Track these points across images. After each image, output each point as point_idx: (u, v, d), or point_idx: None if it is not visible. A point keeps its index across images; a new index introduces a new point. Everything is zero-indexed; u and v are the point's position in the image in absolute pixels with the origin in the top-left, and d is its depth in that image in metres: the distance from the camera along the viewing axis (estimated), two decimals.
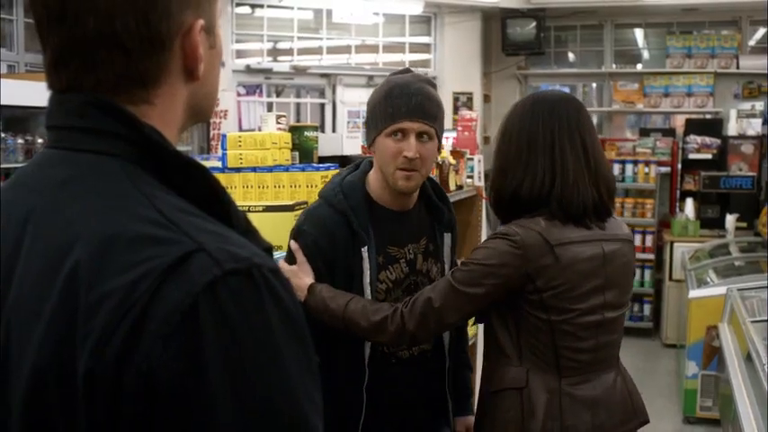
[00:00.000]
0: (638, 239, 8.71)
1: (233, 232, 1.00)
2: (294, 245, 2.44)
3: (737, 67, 9.64)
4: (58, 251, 0.97)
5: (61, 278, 0.95)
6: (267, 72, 9.16)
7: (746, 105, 9.14)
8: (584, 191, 2.34)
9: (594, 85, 10.80)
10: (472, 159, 5.07)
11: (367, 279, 2.43)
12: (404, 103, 2.36)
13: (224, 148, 3.18)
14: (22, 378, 0.95)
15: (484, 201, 5.19)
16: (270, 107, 9.40)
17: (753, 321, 4.42)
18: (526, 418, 2.33)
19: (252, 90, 9.31)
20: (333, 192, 2.46)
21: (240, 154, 3.19)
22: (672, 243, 8.21)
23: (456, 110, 9.60)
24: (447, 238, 2.66)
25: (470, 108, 9.49)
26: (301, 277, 2.41)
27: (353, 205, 2.43)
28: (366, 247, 2.42)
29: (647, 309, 8.81)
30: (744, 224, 8.06)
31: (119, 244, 0.94)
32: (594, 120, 10.08)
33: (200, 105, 1.15)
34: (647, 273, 8.78)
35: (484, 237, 5.19)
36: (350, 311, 2.34)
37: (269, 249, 1.06)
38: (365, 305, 2.36)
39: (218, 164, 3.30)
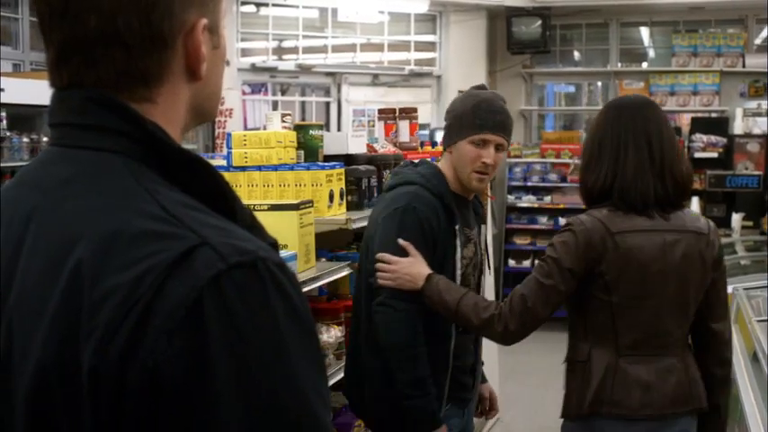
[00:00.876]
0: None
1: (237, 227, 0.99)
2: (404, 242, 2.73)
3: (743, 66, 9.62)
4: (60, 249, 0.97)
5: (64, 276, 0.94)
6: (272, 71, 9.16)
7: (752, 104, 9.13)
8: (644, 185, 2.59)
9: (600, 83, 10.79)
10: None
11: (458, 254, 2.85)
12: (490, 118, 2.83)
13: (229, 147, 3.18)
14: (26, 377, 0.94)
15: (489, 200, 5.18)
16: (275, 106, 9.40)
17: (759, 320, 4.39)
18: (584, 387, 2.63)
19: (257, 89, 9.31)
20: (424, 178, 2.85)
21: (245, 153, 3.19)
22: None
23: None
24: (483, 228, 3.16)
25: None
26: (419, 266, 2.72)
27: (444, 190, 2.85)
28: (458, 225, 2.85)
29: None
30: (750, 223, 8.04)
31: (122, 240, 0.94)
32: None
33: (204, 105, 1.15)
34: None
35: (489, 236, 5.18)
36: (462, 306, 2.65)
37: (274, 244, 1.06)
38: (476, 302, 2.67)
39: (224, 162, 3.30)
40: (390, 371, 2.71)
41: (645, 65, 10.45)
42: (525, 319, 2.59)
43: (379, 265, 2.73)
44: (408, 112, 4.43)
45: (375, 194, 3.46)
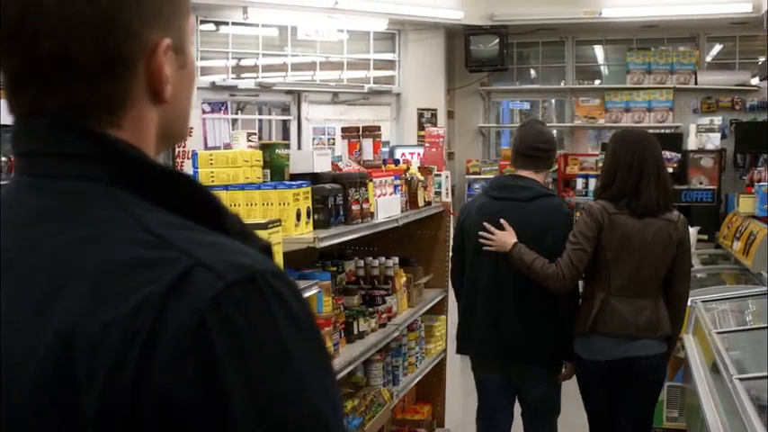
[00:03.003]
0: None
1: (229, 239, 0.96)
2: (503, 221, 4.18)
3: (696, 83, 9.81)
4: (44, 293, 0.90)
5: (52, 322, 0.88)
6: (232, 89, 9.14)
7: (705, 120, 9.30)
8: (645, 196, 3.96)
9: (554, 101, 10.92)
10: (440, 175, 5.10)
11: None
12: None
13: (195, 167, 3.18)
14: None
15: (452, 216, 5.22)
16: (234, 124, 9.38)
17: (718, 333, 4.48)
18: (587, 315, 4.07)
19: (217, 107, 9.28)
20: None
21: (211, 172, 3.19)
22: None
23: (420, 126, 9.65)
24: None
25: (434, 124, 9.55)
26: (510, 238, 4.15)
27: None
28: None
29: None
30: (705, 236, 8.16)
31: (111, 272, 0.89)
32: (555, 135, 10.19)
33: (172, 128, 1.09)
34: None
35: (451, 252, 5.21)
36: (533, 265, 4.07)
37: (266, 248, 1.03)
38: (543, 263, 4.06)
39: None
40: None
41: (598, 82, 10.61)
42: (573, 272, 4.03)
43: (484, 233, 4.20)
44: (372, 131, 4.46)
45: (341, 213, 3.48)
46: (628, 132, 4.38)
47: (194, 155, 3.16)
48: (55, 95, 0.98)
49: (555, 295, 4.10)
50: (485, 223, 4.18)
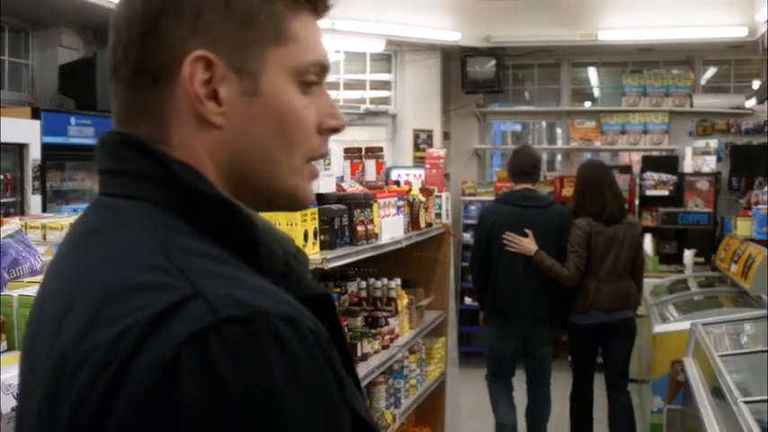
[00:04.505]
0: None
1: (257, 277, 0.90)
2: (528, 230, 5.63)
3: (691, 106, 9.85)
4: (64, 305, 0.91)
5: (61, 333, 0.88)
6: None
7: (701, 143, 9.33)
8: (608, 209, 5.67)
9: (544, 123, 10.94)
10: (440, 197, 5.09)
11: None
12: None
13: None
14: None
15: (452, 239, 5.21)
16: None
17: (721, 356, 4.46)
18: (584, 297, 5.65)
19: None
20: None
21: None
22: None
23: (416, 147, 9.65)
24: None
25: (430, 145, 9.55)
26: (532, 245, 5.58)
27: None
28: None
29: None
30: (701, 259, 8.17)
31: (115, 294, 0.86)
32: (544, 157, 10.22)
33: (246, 168, 1.01)
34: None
35: (452, 273, 5.20)
36: (553, 268, 5.58)
37: (314, 297, 0.96)
38: (558, 267, 5.57)
39: None
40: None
41: (590, 104, 10.64)
42: (577, 271, 5.57)
43: (511, 238, 5.60)
44: (374, 151, 4.46)
45: (346, 233, 3.46)
46: (590, 164, 6.29)
47: None
48: (115, 106, 1.01)
49: (549, 281, 5.60)
50: (509, 232, 5.61)
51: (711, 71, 10.25)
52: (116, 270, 0.88)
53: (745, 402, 3.59)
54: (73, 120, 6.92)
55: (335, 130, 1.08)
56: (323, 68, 1.06)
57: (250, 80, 0.99)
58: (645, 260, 6.25)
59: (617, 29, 9.41)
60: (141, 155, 0.97)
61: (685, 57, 10.05)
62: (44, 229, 2.88)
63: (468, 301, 9.46)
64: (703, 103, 9.82)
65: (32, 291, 1.67)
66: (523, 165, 5.74)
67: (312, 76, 1.03)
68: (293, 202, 1.07)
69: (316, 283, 1.02)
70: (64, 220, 2.96)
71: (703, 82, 10.15)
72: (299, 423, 0.81)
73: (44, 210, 6.42)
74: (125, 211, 0.96)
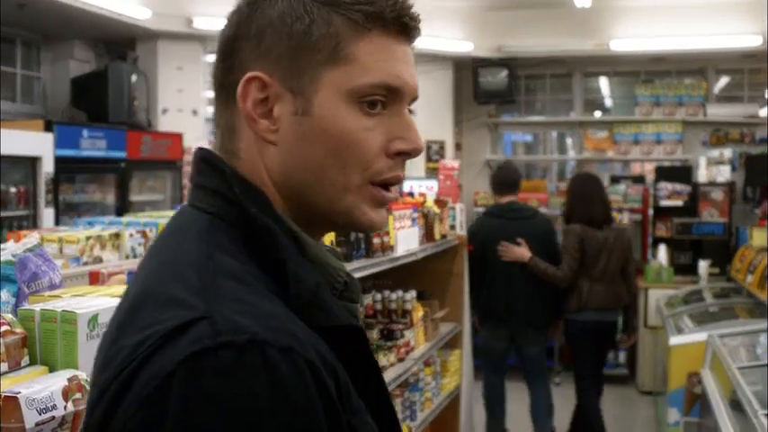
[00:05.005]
0: None
1: (275, 303, 0.94)
2: (520, 239, 5.99)
3: (705, 115, 9.81)
4: (117, 309, 1.01)
5: (110, 332, 0.98)
6: None
7: (715, 153, 9.27)
8: (597, 214, 6.08)
9: (555, 134, 10.90)
10: (454, 208, 5.06)
11: None
12: None
13: None
14: None
15: (466, 250, 5.18)
16: None
17: (740, 368, 4.41)
18: (578, 297, 6.01)
19: None
20: None
21: None
22: (647, 290, 8.24)
23: (428, 158, 9.63)
24: None
25: (443, 156, 9.53)
26: (526, 252, 5.96)
27: None
28: None
29: (621, 356, 8.81)
30: (716, 270, 8.12)
31: (149, 302, 0.94)
32: (555, 167, 10.16)
33: (299, 188, 1.06)
34: (621, 320, 8.77)
35: (467, 285, 5.17)
36: (548, 271, 5.95)
37: (337, 327, 0.99)
38: (552, 270, 5.95)
39: None
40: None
41: (599, 114, 10.61)
42: (570, 272, 5.95)
43: (506, 247, 5.97)
44: None
45: (362, 246, 3.44)
46: (580, 176, 6.76)
47: None
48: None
49: (543, 284, 5.97)
50: (504, 242, 5.98)
51: (724, 80, 10.20)
52: (158, 277, 0.97)
53: (766, 415, 3.54)
54: (85, 132, 6.92)
55: (406, 154, 1.09)
56: (390, 90, 1.07)
57: (302, 100, 1.04)
58: (635, 263, 6.76)
59: (629, 38, 9.38)
60: (213, 171, 1.05)
61: (698, 66, 10.02)
62: (61, 243, 2.86)
63: None
64: (717, 112, 9.77)
65: (54, 305, 1.65)
66: (509, 179, 6.21)
67: (376, 97, 1.06)
68: (353, 224, 1.09)
69: (346, 315, 1.03)
70: (80, 233, 2.94)
71: (716, 91, 10.11)
72: None
73: (57, 222, 6.41)
74: (190, 222, 1.04)
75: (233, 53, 1.06)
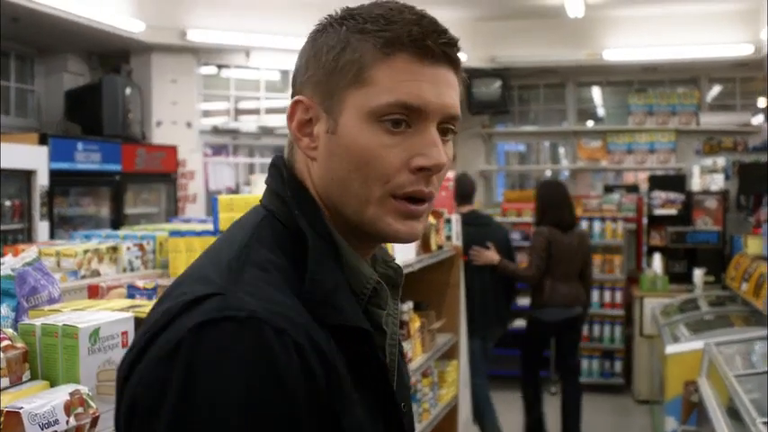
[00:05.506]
0: (607, 296, 8.79)
1: (287, 294, 1.07)
2: (490, 243, 6.48)
3: (698, 124, 9.84)
4: (174, 281, 1.18)
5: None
6: (234, 132, 9.13)
7: (708, 161, 9.29)
8: (565, 218, 6.61)
9: (548, 143, 10.92)
10: (450, 219, 5.06)
11: None
12: None
13: (215, 211, 3.13)
14: None
15: (462, 261, 5.18)
16: (239, 167, 9.36)
17: (737, 376, 4.42)
18: (540, 294, 6.57)
19: (218, 150, 9.27)
20: None
21: (233, 217, 3.14)
22: (642, 299, 8.24)
23: None
24: None
25: None
26: (495, 255, 6.38)
27: None
28: None
29: (618, 365, 8.80)
30: (711, 278, 8.13)
31: (188, 278, 1.12)
32: (548, 174, 10.18)
33: (332, 199, 1.18)
34: (618, 329, 8.79)
35: (462, 296, 5.17)
36: (516, 271, 6.58)
37: (346, 327, 1.10)
38: (521, 269, 6.64)
39: (184, 226, 3.25)
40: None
41: (592, 123, 10.63)
42: (538, 271, 6.44)
43: (476, 252, 6.36)
44: None
45: None
46: (548, 183, 7.53)
47: (214, 200, 3.12)
48: None
49: (506, 285, 6.59)
50: (474, 246, 6.38)
51: (717, 89, 10.24)
52: (202, 261, 1.15)
53: (765, 423, 3.55)
54: (80, 145, 6.91)
55: (425, 169, 1.15)
56: (409, 108, 1.14)
57: (332, 120, 1.16)
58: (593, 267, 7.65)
59: (622, 48, 9.42)
60: (277, 175, 1.22)
61: (691, 75, 10.06)
62: (58, 256, 2.85)
63: None
64: (710, 121, 9.81)
65: (54, 319, 1.64)
66: (468, 189, 6.77)
67: (397, 116, 1.14)
68: (380, 234, 1.18)
69: (359, 317, 1.13)
70: (78, 247, 2.93)
71: (709, 100, 10.15)
72: (242, 406, 0.97)
73: (52, 236, 6.40)
74: (250, 217, 1.21)
75: (294, 80, 1.22)
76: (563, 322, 6.61)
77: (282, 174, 1.21)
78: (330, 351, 1.05)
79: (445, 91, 1.16)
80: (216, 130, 9.02)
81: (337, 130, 1.15)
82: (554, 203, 6.63)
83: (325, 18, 1.20)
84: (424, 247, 4.42)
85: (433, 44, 1.15)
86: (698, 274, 8.03)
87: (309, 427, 1.00)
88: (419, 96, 1.14)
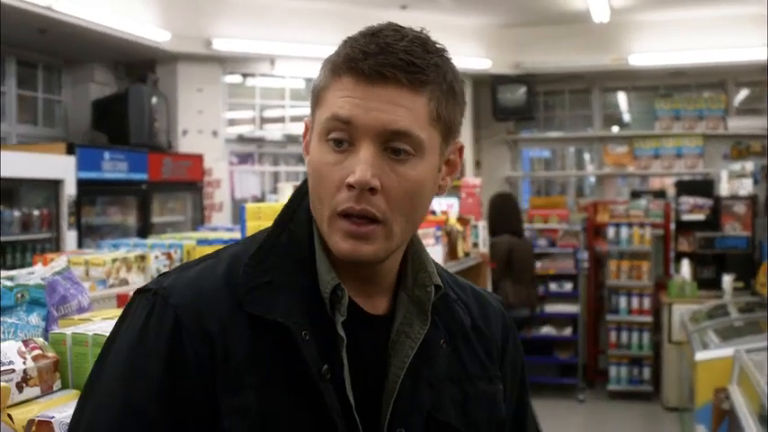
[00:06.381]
0: (635, 302, 8.67)
1: (215, 281, 1.21)
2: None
3: (725, 129, 9.76)
4: None
5: None
6: (259, 141, 9.16)
7: (736, 166, 9.20)
8: (519, 227, 7.89)
9: (573, 149, 10.86)
10: (477, 226, 5.05)
11: None
12: None
13: (243, 220, 3.13)
14: None
15: (489, 268, 5.16)
16: (265, 175, 9.38)
17: None
18: (503, 293, 7.14)
19: (243, 159, 9.30)
20: None
21: (260, 225, 3.14)
22: (670, 305, 8.17)
23: None
24: None
25: (462, 174, 9.51)
26: None
27: None
28: None
29: (646, 372, 8.71)
30: (741, 284, 8.04)
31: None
32: (573, 181, 10.12)
33: (314, 214, 1.26)
34: (646, 335, 8.69)
35: None
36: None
37: (267, 320, 1.18)
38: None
39: (212, 235, 3.24)
40: None
41: (617, 129, 10.56)
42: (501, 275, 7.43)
43: None
44: None
45: None
46: (500, 195, 8.25)
47: (242, 208, 3.12)
48: None
49: None
50: None
51: (744, 93, 10.15)
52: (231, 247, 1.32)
53: None
54: (107, 155, 6.96)
55: (351, 187, 1.17)
56: (341, 121, 1.18)
57: (313, 138, 1.24)
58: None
59: (647, 52, 9.36)
60: (296, 188, 1.32)
61: (717, 79, 9.97)
62: (87, 265, 2.86)
63: None
64: (737, 125, 9.72)
65: (85, 328, 1.64)
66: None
67: (334, 133, 1.18)
68: (333, 251, 1.22)
69: (287, 314, 1.18)
70: (106, 256, 2.94)
71: (736, 104, 10.06)
72: (117, 347, 1.20)
73: (80, 245, 6.44)
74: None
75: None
76: (517, 321, 7.19)
77: (296, 185, 1.33)
78: (226, 335, 1.16)
79: (381, 107, 1.17)
80: (241, 139, 9.05)
81: (309, 150, 1.24)
82: (505, 213, 7.63)
83: None
84: (451, 254, 4.41)
85: (367, 66, 1.16)
86: (727, 279, 7.95)
87: (160, 382, 1.14)
88: (348, 110, 1.17)
